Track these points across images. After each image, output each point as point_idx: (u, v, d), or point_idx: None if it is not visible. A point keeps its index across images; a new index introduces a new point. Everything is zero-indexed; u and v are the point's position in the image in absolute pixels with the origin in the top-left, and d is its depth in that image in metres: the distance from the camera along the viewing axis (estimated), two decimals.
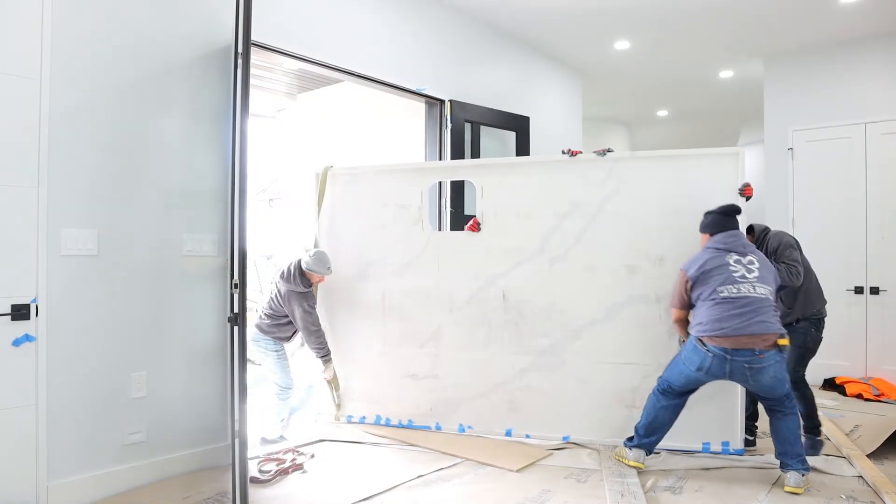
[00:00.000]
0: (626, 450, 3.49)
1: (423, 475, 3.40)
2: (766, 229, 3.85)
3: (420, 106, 5.25)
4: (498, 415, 4.13)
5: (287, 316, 4.14)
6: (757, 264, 3.29)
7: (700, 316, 3.28)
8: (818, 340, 3.83)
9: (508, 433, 4.10)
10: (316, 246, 4.44)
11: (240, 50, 3.07)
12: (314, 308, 4.18)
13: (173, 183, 3.40)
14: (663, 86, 7.65)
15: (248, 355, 4.25)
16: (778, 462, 3.30)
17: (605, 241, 3.96)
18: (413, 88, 4.89)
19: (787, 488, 3.14)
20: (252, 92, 5.76)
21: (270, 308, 4.17)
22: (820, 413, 3.89)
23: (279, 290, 4.15)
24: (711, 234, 3.47)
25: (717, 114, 8.99)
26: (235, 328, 2.84)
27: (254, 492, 3.11)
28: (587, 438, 3.95)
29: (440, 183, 4.96)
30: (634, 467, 3.41)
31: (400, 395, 4.31)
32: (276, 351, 4.16)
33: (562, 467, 3.55)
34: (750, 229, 3.83)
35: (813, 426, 3.77)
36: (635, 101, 8.48)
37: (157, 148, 3.34)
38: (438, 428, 4.24)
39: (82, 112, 3.06)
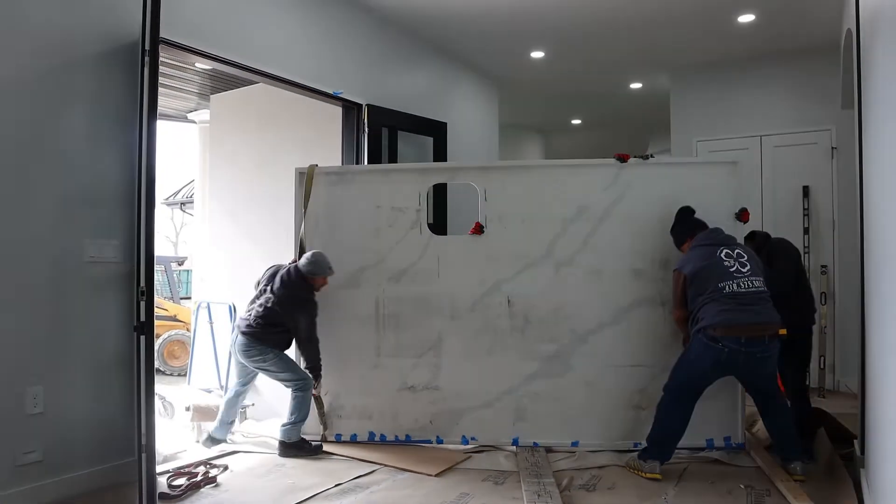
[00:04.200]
0: (641, 462, 3.44)
1: (340, 483, 3.36)
2: (767, 236, 4.02)
3: (337, 110, 5.19)
4: (503, 424, 4.04)
5: (284, 325, 3.90)
6: (745, 257, 3.45)
7: (707, 313, 3.33)
8: (811, 348, 4.00)
9: (515, 442, 3.99)
10: (303, 249, 4.13)
11: (147, 47, 2.96)
12: (316, 316, 3.94)
13: (75, 185, 3.21)
14: (577, 95, 7.90)
15: (238, 366, 4.01)
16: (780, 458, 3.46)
17: (611, 246, 4.02)
18: (329, 92, 4.83)
19: (796, 477, 3.27)
20: (161, 91, 5.56)
21: (266, 316, 3.85)
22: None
23: (277, 298, 3.87)
24: (692, 237, 3.61)
25: (628, 123, 9.35)
26: (142, 337, 2.73)
27: None
28: (596, 443, 3.92)
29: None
30: (652, 479, 3.36)
31: (396, 409, 4.11)
32: (274, 351, 3.88)
33: (479, 470, 3.60)
34: (751, 236, 3.96)
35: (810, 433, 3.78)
36: (550, 109, 8.71)
37: (56, 148, 3.15)
38: (440, 441, 4.06)
39: None
